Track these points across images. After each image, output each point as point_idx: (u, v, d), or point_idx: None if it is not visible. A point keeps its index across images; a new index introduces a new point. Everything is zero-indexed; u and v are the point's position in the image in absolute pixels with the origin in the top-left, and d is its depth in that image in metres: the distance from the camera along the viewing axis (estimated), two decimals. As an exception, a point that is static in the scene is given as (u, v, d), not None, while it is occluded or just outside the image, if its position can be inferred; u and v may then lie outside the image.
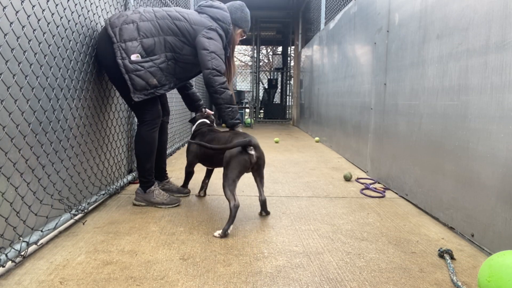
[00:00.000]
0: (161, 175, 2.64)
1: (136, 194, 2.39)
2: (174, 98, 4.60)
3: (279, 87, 12.06)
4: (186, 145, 5.32)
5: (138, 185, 2.39)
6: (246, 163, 2.00)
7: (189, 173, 2.61)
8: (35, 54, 1.65)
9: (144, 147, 2.34)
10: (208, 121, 2.62)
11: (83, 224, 2.01)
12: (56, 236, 1.84)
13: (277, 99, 12.17)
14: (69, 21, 1.96)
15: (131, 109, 2.41)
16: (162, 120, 2.50)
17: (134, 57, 2.17)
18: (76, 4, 2.04)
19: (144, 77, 2.19)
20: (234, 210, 1.90)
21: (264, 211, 2.22)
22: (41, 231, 1.68)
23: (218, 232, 1.90)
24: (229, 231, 1.90)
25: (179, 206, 2.37)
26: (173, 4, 4.54)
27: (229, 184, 1.95)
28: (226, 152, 2.03)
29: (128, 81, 2.18)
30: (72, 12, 2.00)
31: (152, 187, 2.37)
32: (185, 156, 2.58)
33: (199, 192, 2.65)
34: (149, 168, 2.36)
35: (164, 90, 2.31)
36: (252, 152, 2.01)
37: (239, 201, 2.23)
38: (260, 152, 2.08)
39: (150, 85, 2.22)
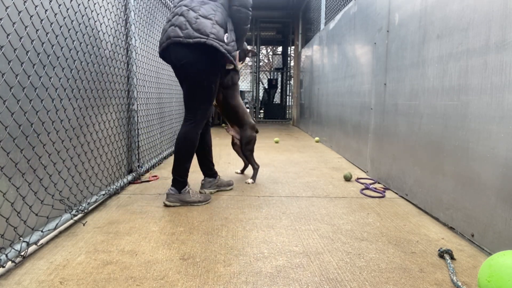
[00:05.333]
0: (213, 172, 2.71)
1: (168, 195, 2.36)
2: (174, 98, 4.60)
3: (279, 87, 12.07)
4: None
5: (138, 185, 2.40)
6: None
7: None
8: (38, 54, 1.65)
9: (189, 147, 2.36)
10: None
11: (83, 224, 2.01)
12: (56, 236, 1.84)
13: (277, 99, 12.18)
14: (72, 21, 1.96)
15: (189, 106, 2.39)
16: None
17: (225, 37, 2.27)
18: (79, 4, 2.04)
19: (235, 46, 2.39)
20: (257, 170, 3.09)
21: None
22: (41, 231, 1.68)
23: (250, 180, 3.00)
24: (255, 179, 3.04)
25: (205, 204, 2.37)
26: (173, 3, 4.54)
27: (252, 154, 3.10)
28: (247, 133, 3.04)
29: (235, 59, 2.36)
30: (76, 12, 2.01)
31: (187, 186, 2.40)
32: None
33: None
34: (188, 168, 2.40)
35: None
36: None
37: (242, 200, 2.26)
38: None
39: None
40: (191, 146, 2.36)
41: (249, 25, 2.46)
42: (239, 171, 3.42)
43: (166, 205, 2.36)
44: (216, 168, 3.62)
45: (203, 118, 2.39)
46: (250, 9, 2.41)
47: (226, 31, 2.29)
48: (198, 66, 2.29)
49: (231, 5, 2.35)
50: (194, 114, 2.37)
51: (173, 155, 4.38)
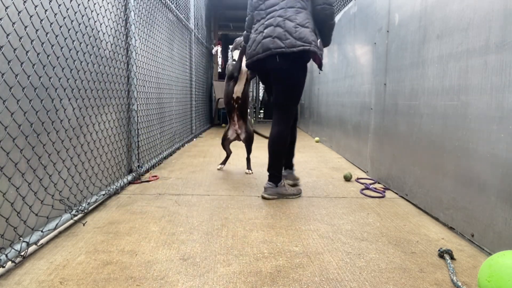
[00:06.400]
0: (291, 164, 2.98)
1: (266, 188, 2.56)
2: (174, 98, 4.60)
3: (279, 87, 12.04)
4: (185, 145, 5.33)
5: (137, 185, 2.40)
6: None
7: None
8: (38, 54, 1.65)
9: (285, 146, 2.57)
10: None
11: (83, 224, 2.01)
12: (56, 236, 1.84)
13: (277, 99, 12.16)
14: (72, 21, 1.96)
15: (284, 110, 2.55)
16: None
17: (318, 42, 2.41)
18: (79, 4, 2.04)
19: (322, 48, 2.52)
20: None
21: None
22: (41, 231, 1.68)
23: (249, 171, 3.38)
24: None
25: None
26: (173, 3, 4.54)
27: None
28: (250, 127, 3.45)
29: (323, 58, 2.53)
30: (76, 12, 2.01)
31: (282, 180, 2.59)
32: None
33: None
34: (282, 163, 2.59)
35: None
36: None
37: (242, 200, 2.27)
38: None
39: None
40: (286, 144, 2.56)
41: (335, 19, 2.55)
42: (219, 167, 3.58)
43: (264, 198, 2.54)
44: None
45: (294, 118, 2.56)
46: (333, 4, 2.50)
47: (317, 37, 2.43)
48: (298, 71, 2.44)
49: (315, 6, 2.45)
50: (286, 113, 2.54)
51: (172, 155, 4.39)
